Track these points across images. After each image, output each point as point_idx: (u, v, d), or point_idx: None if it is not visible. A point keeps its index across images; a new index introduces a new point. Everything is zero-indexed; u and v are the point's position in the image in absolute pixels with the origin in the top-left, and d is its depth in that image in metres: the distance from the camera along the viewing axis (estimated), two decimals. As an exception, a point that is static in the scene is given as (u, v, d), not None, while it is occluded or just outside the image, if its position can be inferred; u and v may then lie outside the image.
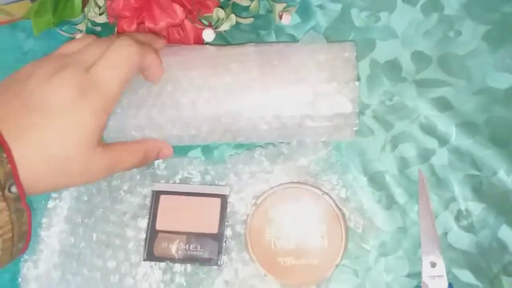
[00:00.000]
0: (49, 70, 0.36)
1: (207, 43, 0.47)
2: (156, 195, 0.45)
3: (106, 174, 0.39)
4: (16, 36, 0.53)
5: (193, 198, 0.45)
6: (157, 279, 0.43)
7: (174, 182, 0.47)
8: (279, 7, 0.48)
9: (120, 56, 0.38)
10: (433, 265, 0.42)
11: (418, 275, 0.43)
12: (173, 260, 0.44)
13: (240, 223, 0.45)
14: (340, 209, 0.43)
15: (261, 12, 0.51)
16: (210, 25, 0.47)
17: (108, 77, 0.37)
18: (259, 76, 0.42)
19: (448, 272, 0.42)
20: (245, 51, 0.44)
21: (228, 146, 0.48)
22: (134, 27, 0.46)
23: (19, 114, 0.34)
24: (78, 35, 0.49)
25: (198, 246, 0.44)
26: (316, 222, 0.43)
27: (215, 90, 0.42)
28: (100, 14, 0.49)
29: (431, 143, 0.45)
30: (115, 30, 0.48)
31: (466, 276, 0.42)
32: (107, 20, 0.49)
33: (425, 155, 0.45)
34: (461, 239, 0.43)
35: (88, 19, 0.49)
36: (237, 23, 0.48)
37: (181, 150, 0.47)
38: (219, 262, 0.43)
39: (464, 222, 0.43)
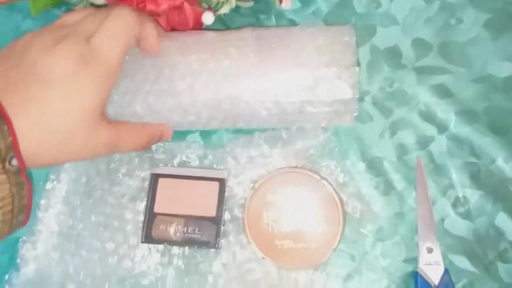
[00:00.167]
0: (49, 41, 0.35)
1: (206, 27, 0.47)
2: (155, 178, 0.45)
3: (108, 152, 0.38)
4: (14, 17, 0.53)
5: (191, 181, 0.45)
6: (155, 261, 0.44)
7: (172, 166, 0.46)
8: (279, -9, 0.48)
9: (118, 25, 0.37)
10: (430, 250, 0.43)
11: (414, 260, 0.43)
12: (171, 242, 0.44)
13: (238, 206, 0.45)
14: (338, 194, 0.43)
15: (262, -5, 0.50)
16: (209, 8, 0.47)
17: (107, 46, 0.36)
18: (258, 60, 0.42)
19: (444, 258, 0.43)
20: (243, 36, 0.43)
21: (227, 131, 0.48)
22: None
23: (19, 86, 0.33)
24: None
25: (196, 229, 0.44)
26: (314, 207, 0.43)
27: (213, 75, 0.41)
28: (99, -5, 0.49)
29: (430, 130, 0.46)
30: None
31: (462, 262, 0.43)
32: (105, 2, 0.49)
33: (423, 142, 0.45)
34: (458, 226, 0.43)
35: (87, 0, 0.49)
36: (237, 6, 0.47)
37: (179, 135, 0.47)
38: (217, 245, 0.44)
39: (461, 209, 0.44)
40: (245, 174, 0.46)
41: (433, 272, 0.42)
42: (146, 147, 0.43)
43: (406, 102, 0.46)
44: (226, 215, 0.45)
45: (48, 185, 0.46)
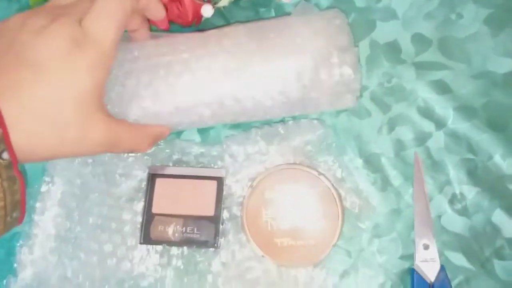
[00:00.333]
0: (41, 22, 0.33)
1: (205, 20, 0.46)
2: (152, 178, 0.45)
3: (105, 148, 0.37)
4: (12, 9, 0.52)
5: (189, 180, 0.45)
6: (154, 262, 0.43)
7: (170, 165, 0.46)
8: (279, -16, 0.47)
9: (112, 2, 0.35)
10: (426, 247, 0.43)
11: (411, 257, 0.43)
12: (170, 243, 0.44)
13: (236, 205, 0.45)
14: (336, 189, 0.43)
15: (262, -11, 0.49)
16: (209, 1, 0.46)
17: (100, 27, 0.34)
18: (255, 51, 0.40)
19: (441, 255, 0.43)
20: (235, 29, 0.42)
21: (224, 126, 0.47)
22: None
23: (9, 70, 0.32)
24: None
25: (195, 229, 0.44)
26: (313, 203, 0.43)
27: (211, 71, 0.40)
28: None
29: (428, 126, 0.45)
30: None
31: (458, 258, 0.43)
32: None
33: (421, 138, 0.45)
34: (455, 223, 0.44)
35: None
36: (236, -1, 0.47)
37: (176, 131, 0.46)
38: (216, 244, 0.43)
39: (458, 206, 0.44)
40: (242, 172, 0.45)
41: (429, 269, 0.42)
42: (146, 149, 0.41)
43: (404, 97, 0.46)
44: (225, 214, 0.45)
45: (43, 188, 0.45)
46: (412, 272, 0.42)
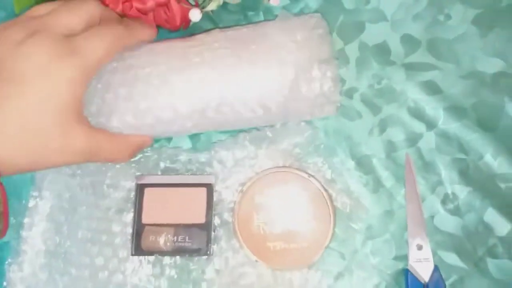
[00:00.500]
0: (20, 35, 0.33)
1: (193, 24, 0.45)
2: (140, 188, 0.44)
3: (85, 158, 0.37)
4: (-2, 17, 0.50)
5: (178, 189, 0.44)
6: (147, 273, 0.43)
7: (158, 174, 0.45)
8: (268, -13, 0.46)
9: (108, 28, 0.36)
10: (420, 248, 0.43)
11: (404, 257, 0.43)
12: (162, 253, 0.43)
13: (227, 211, 0.44)
14: (326, 191, 0.43)
15: (250, -8, 0.48)
16: (196, 5, 0.45)
17: (92, 42, 0.35)
18: (235, 62, 0.40)
19: (434, 255, 0.43)
20: (214, 38, 0.42)
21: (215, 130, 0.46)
22: (119, 7, 0.43)
23: None
24: None
25: (187, 237, 0.43)
26: (304, 205, 0.43)
27: (191, 84, 0.40)
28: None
29: (418, 127, 0.45)
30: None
31: (451, 258, 0.43)
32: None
33: (412, 139, 0.45)
34: (447, 222, 0.44)
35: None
36: (225, 3, 0.45)
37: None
38: (208, 252, 0.43)
39: (451, 206, 0.44)
40: (232, 177, 0.45)
41: (423, 269, 0.42)
42: (127, 159, 0.41)
43: (394, 99, 0.46)
44: (216, 221, 0.44)
45: (31, 203, 0.44)
46: (406, 272, 0.42)
